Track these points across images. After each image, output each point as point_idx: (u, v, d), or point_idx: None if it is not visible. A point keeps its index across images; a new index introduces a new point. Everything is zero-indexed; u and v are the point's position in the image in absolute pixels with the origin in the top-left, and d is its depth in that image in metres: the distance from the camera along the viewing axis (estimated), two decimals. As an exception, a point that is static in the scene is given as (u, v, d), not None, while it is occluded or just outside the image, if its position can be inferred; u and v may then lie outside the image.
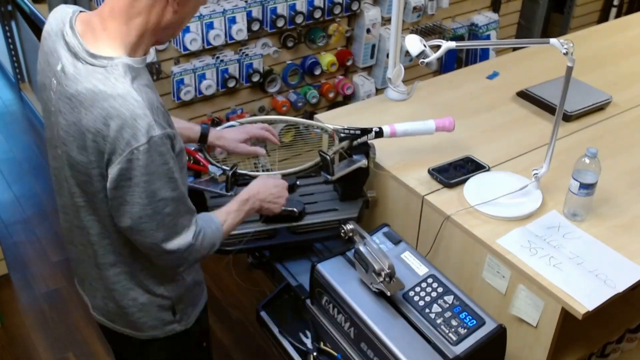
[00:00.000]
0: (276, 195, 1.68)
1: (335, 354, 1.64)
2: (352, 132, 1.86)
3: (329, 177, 1.80)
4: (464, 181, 1.88)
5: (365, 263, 1.54)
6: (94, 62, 1.27)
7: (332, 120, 2.08)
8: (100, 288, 1.52)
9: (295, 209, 1.82)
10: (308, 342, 1.72)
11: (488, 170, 1.94)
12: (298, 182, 1.90)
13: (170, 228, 1.34)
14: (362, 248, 1.55)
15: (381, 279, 1.51)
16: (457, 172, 1.92)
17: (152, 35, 1.34)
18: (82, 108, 1.26)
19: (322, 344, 1.68)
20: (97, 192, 1.34)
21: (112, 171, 1.27)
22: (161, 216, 1.32)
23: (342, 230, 1.64)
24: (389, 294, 1.52)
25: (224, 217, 1.52)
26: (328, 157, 1.78)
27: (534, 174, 1.82)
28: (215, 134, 1.82)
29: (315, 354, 1.66)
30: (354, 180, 1.90)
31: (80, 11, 1.38)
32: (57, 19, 1.38)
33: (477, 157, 1.98)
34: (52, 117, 1.36)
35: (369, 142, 1.88)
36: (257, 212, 1.66)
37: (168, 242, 1.35)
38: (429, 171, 1.92)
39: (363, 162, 1.85)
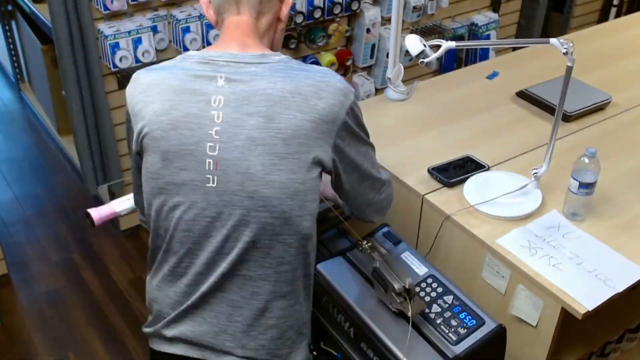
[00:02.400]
0: None
1: (335, 353, 1.64)
2: None
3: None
4: (464, 180, 1.88)
5: (384, 282, 1.50)
6: (267, 60, 1.31)
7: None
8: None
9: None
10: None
11: (488, 169, 1.94)
12: None
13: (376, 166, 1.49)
14: (380, 267, 1.50)
15: (402, 299, 1.47)
16: (456, 171, 1.92)
17: (268, 38, 1.42)
18: (294, 98, 1.26)
19: (322, 343, 1.68)
20: (299, 188, 1.29)
21: (334, 134, 1.31)
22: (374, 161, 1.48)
23: (360, 248, 1.61)
24: (409, 314, 1.46)
25: None
26: None
27: (534, 174, 1.82)
28: None
29: (315, 353, 1.66)
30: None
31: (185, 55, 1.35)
32: (153, 72, 1.34)
33: (476, 157, 1.98)
34: (208, 143, 1.26)
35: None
36: None
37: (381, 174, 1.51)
38: (428, 170, 1.92)
39: None
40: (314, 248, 1.41)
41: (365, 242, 1.60)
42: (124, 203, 1.72)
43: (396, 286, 1.46)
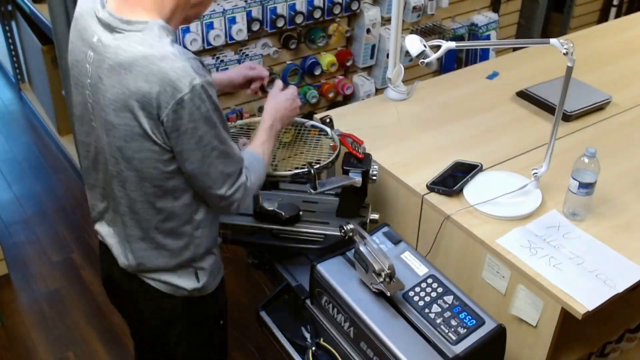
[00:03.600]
0: (290, 107, 1.79)
1: (334, 350, 1.64)
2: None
3: (311, 190, 1.73)
4: (466, 183, 1.87)
5: (365, 263, 1.54)
6: (131, 28, 1.34)
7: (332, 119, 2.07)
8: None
9: (283, 212, 1.80)
10: (307, 337, 1.72)
11: (481, 168, 1.93)
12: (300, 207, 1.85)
13: (222, 173, 1.42)
14: (362, 248, 1.55)
15: (381, 279, 1.51)
16: (454, 177, 1.90)
17: (182, 11, 1.42)
18: (125, 73, 1.32)
19: (321, 340, 1.68)
20: (132, 157, 1.39)
21: (164, 120, 1.33)
22: (210, 160, 1.39)
23: (342, 230, 1.64)
24: (388, 294, 1.52)
25: (261, 149, 1.63)
26: (312, 171, 1.71)
27: (534, 174, 1.82)
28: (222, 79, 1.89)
29: (313, 348, 1.66)
30: (348, 198, 1.83)
31: None
32: (87, 1, 1.46)
33: (465, 159, 1.97)
34: (87, 90, 1.42)
35: (372, 161, 1.81)
36: (283, 127, 1.77)
37: (221, 189, 1.44)
38: (427, 186, 1.88)
39: (356, 181, 1.77)
40: (185, 208, 1.48)
41: (347, 225, 1.62)
42: None
43: (376, 267, 1.50)
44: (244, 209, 1.63)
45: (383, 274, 1.50)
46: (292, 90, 1.81)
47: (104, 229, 1.62)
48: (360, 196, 1.84)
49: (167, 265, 1.54)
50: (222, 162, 1.41)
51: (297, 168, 1.78)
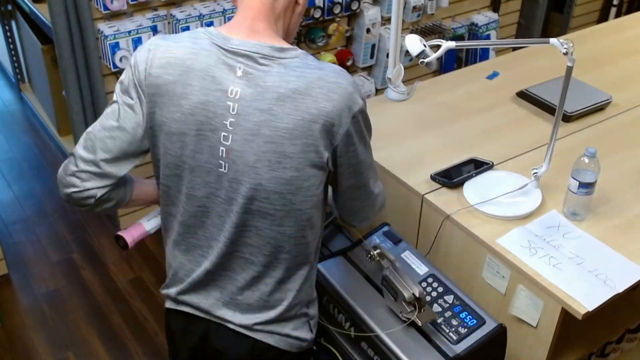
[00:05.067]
0: None
1: (334, 350, 1.64)
2: None
3: None
4: (468, 178, 1.88)
5: (395, 291, 1.50)
6: (285, 56, 1.30)
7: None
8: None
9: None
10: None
11: (492, 166, 1.93)
12: None
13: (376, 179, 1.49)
14: (390, 275, 1.51)
15: (412, 308, 1.47)
16: (460, 172, 1.90)
17: (287, 37, 1.40)
18: (303, 99, 1.27)
19: (322, 340, 1.68)
20: (301, 186, 1.33)
21: (339, 138, 1.32)
22: (373, 170, 1.46)
23: (369, 255, 1.61)
24: (420, 324, 1.47)
25: None
26: None
27: (534, 174, 1.82)
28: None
29: (314, 348, 1.66)
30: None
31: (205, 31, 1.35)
32: (175, 45, 1.34)
33: (479, 157, 1.97)
34: (222, 132, 1.31)
35: None
36: None
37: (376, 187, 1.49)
38: (431, 176, 1.89)
39: None
40: (316, 237, 1.45)
41: (373, 249, 1.61)
42: (152, 222, 1.65)
43: (406, 295, 1.46)
44: None
45: (413, 301, 1.46)
46: None
47: (197, 297, 1.49)
48: None
49: (284, 311, 1.45)
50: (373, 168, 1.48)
51: None
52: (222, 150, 1.31)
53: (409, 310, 1.47)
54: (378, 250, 1.60)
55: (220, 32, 1.32)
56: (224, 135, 1.30)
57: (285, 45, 1.32)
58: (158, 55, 1.33)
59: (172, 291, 1.50)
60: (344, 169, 1.38)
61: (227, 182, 1.34)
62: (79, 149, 1.40)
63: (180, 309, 1.51)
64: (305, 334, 1.49)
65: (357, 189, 1.45)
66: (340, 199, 1.47)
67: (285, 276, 1.42)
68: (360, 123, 1.35)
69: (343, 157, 1.35)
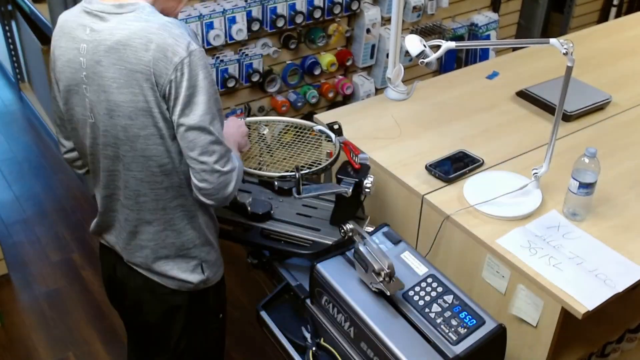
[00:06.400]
0: (240, 134, 1.78)
1: (334, 350, 1.64)
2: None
3: (295, 195, 1.72)
4: (462, 176, 1.88)
5: (365, 263, 1.54)
6: (123, 11, 1.38)
7: (332, 119, 2.07)
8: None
9: (249, 207, 1.83)
10: (308, 337, 1.72)
11: (482, 163, 1.93)
12: (272, 210, 1.86)
13: (220, 145, 1.43)
14: (361, 248, 1.55)
15: (381, 279, 1.51)
16: (454, 166, 1.92)
17: (161, 2, 1.45)
18: (124, 49, 1.35)
19: (321, 340, 1.68)
20: (138, 134, 1.41)
21: (164, 87, 1.36)
22: (212, 137, 1.41)
23: (342, 230, 1.64)
24: (388, 293, 1.53)
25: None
26: (297, 175, 1.70)
27: (534, 174, 1.82)
28: None
29: (314, 348, 1.66)
30: (341, 207, 1.79)
31: None
32: (67, 13, 1.49)
33: (470, 151, 1.98)
34: (83, 85, 1.44)
35: (369, 174, 1.76)
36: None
37: (220, 162, 1.44)
38: (426, 167, 1.91)
39: (344, 191, 1.72)
40: (181, 185, 1.50)
41: (346, 224, 1.64)
42: None
43: (376, 266, 1.51)
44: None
45: (383, 273, 1.50)
46: (238, 124, 1.80)
47: (106, 233, 1.66)
48: (352, 206, 1.80)
49: (174, 252, 1.57)
50: (219, 133, 1.43)
51: (286, 171, 1.78)
52: (87, 102, 1.45)
53: (378, 280, 1.52)
54: (350, 226, 1.64)
55: None
56: (85, 88, 1.44)
57: (132, 2, 1.39)
58: (57, 24, 1.50)
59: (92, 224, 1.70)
60: (176, 113, 1.42)
61: (97, 130, 1.47)
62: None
63: (100, 241, 1.71)
64: (190, 276, 1.60)
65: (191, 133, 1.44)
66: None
67: (151, 219, 1.53)
68: (185, 74, 1.36)
69: (173, 107, 1.39)
